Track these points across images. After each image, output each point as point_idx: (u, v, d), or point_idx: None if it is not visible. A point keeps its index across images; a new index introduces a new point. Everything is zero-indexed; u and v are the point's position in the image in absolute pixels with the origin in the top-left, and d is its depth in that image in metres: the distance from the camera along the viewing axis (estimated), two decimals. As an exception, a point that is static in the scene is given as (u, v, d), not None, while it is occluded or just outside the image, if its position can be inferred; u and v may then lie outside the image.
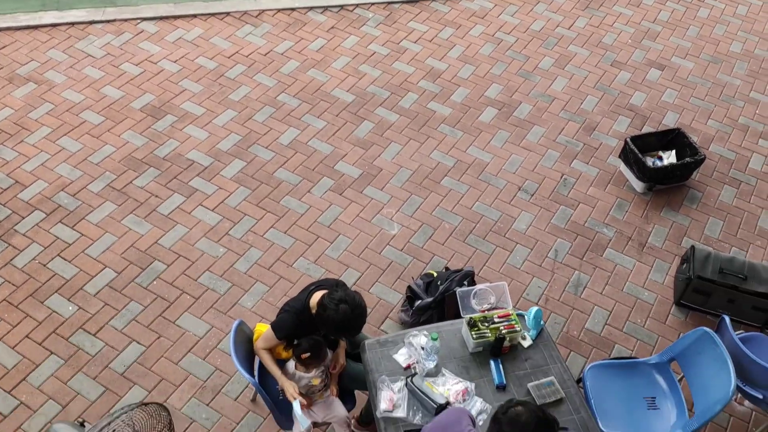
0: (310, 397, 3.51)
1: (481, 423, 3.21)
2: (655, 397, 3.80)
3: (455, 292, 3.76)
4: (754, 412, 4.39)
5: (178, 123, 5.81)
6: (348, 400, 3.71)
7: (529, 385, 3.38)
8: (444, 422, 2.53)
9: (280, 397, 3.63)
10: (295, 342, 3.46)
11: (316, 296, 3.39)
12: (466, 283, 4.44)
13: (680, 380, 4.00)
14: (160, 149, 5.57)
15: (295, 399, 3.35)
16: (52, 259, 4.78)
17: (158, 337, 4.43)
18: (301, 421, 3.37)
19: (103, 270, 4.75)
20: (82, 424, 2.84)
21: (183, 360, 4.33)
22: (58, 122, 5.70)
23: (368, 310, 4.50)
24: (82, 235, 4.95)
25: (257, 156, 5.59)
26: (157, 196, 5.23)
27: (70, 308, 4.54)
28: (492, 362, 3.46)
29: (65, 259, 4.78)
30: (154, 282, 4.72)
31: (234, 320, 3.62)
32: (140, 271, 4.77)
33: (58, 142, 5.53)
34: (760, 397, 3.73)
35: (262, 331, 3.58)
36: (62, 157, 5.42)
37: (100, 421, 2.50)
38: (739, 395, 4.31)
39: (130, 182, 5.31)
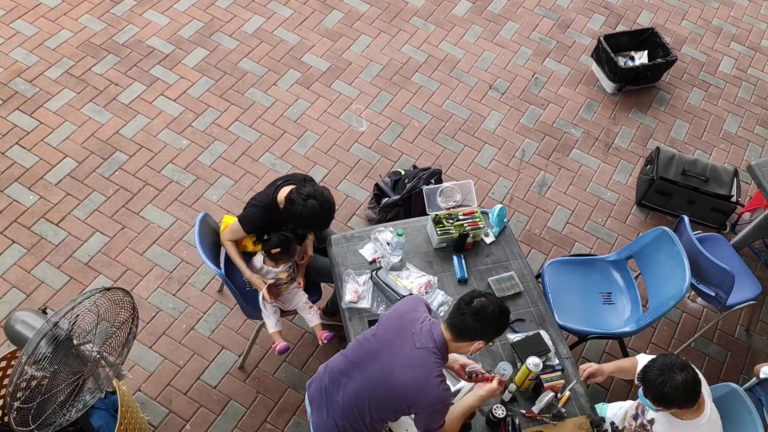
0: (277, 289, 3.48)
1: (442, 314, 3.23)
2: (611, 293, 3.86)
3: (422, 189, 3.69)
4: (705, 309, 4.51)
5: (138, 7, 5.42)
6: (314, 292, 3.70)
7: (490, 279, 3.40)
8: (401, 310, 2.54)
9: (247, 288, 3.61)
10: (265, 237, 3.39)
11: (284, 191, 3.28)
12: (433, 181, 4.37)
13: (636, 277, 4.05)
14: (119, 35, 5.22)
15: (264, 285, 3.34)
16: (11, 147, 4.55)
17: (122, 228, 4.32)
18: (265, 312, 3.37)
19: (63, 159, 4.55)
20: (44, 312, 2.76)
21: (148, 251, 4.25)
22: (12, 4, 5.28)
23: (336, 207, 4.43)
24: (41, 123, 4.70)
25: (220, 45, 5.28)
26: (117, 85, 4.95)
27: (31, 197, 4.37)
28: (455, 257, 3.46)
29: (24, 148, 4.56)
30: (117, 173, 4.54)
31: (199, 213, 3.51)
32: (102, 161, 4.58)
33: (12, 26, 5.15)
34: (713, 294, 3.81)
35: (230, 223, 3.49)
36: (17, 41, 5.06)
37: (63, 306, 2.42)
38: (693, 293, 4.40)
39: (89, 69, 5.00)
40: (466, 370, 2.71)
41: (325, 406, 2.64)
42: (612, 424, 2.85)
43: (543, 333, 3.18)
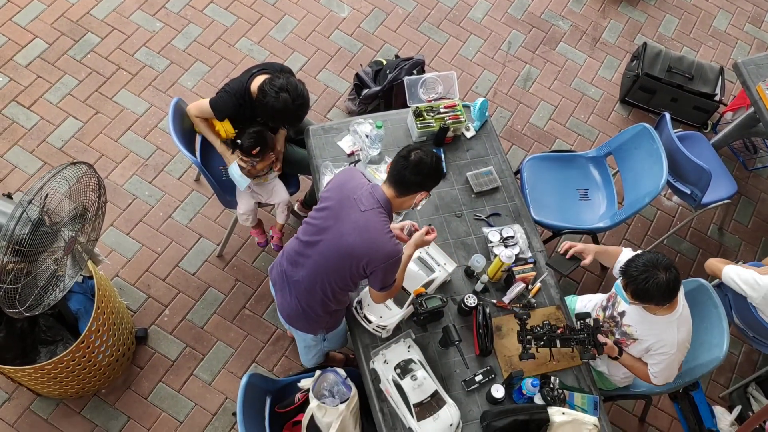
0: (256, 176, 3.38)
1: (419, 208, 3.19)
2: (587, 189, 3.82)
3: (404, 80, 3.52)
4: (680, 208, 4.50)
5: None
6: (292, 184, 3.61)
7: (468, 173, 3.33)
8: (339, 182, 2.54)
9: (224, 178, 3.51)
10: (238, 142, 3.23)
11: (258, 80, 3.10)
12: (415, 72, 4.19)
13: (614, 175, 3.99)
14: None
15: (233, 162, 3.25)
16: (-24, 26, 4.26)
17: (96, 113, 4.13)
18: (239, 181, 3.28)
19: (33, 40, 4.28)
20: (9, 196, 2.64)
21: (123, 137, 4.09)
22: None
23: (314, 98, 4.26)
24: (8, 1, 4.38)
25: None
26: (85, -40, 4.57)
27: (1, 79, 4.13)
28: (434, 151, 3.37)
29: (-10, 28, 4.27)
30: (89, 55, 4.29)
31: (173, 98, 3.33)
32: (73, 43, 4.31)
33: None
34: (688, 192, 3.78)
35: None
36: None
37: (32, 186, 2.30)
38: (669, 190, 4.37)
39: (54, -58, 4.59)
40: (404, 230, 2.75)
41: (287, 287, 2.67)
42: (596, 321, 2.86)
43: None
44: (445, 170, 2.56)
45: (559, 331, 2.82)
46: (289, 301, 2.66)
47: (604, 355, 2.95)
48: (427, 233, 2.66)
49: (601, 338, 2.79)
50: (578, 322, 2.87)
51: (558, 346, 2.82)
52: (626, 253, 2.89)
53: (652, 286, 2.44)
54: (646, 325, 2.69)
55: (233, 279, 3.79)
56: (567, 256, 2.95)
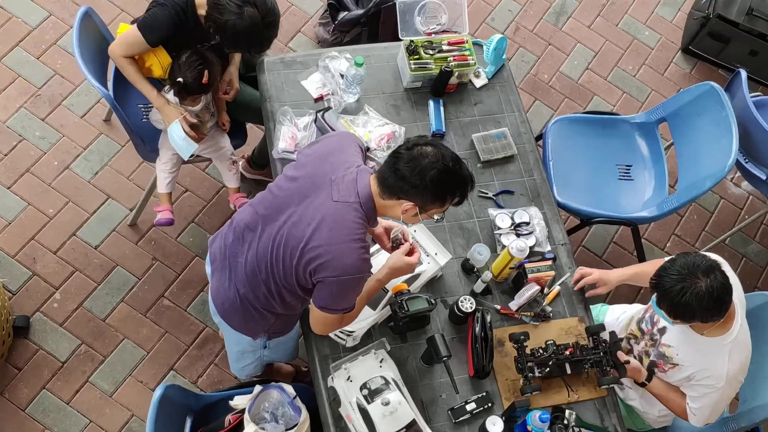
0: (200, 128, 3.37)
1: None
2: (630, 166, 3.86)
3: (395, 3, 3.53)
4: (750, 197, 4.57)
5: None
6: (237, 135, 3.61)
7: (475, 135, 3.35)
8: (324, 150, 2.53)
9: (144, 119, 3.50)
10: (180, 81, 3.19)
11: (206, -10, 3.08)
12: (412, -8, 4.19)
13: (667, 149, 4.05)
14: None
15: (181, 116, 3.23)
16: None
17: (-28, 22, 4.08)
18: (183, 147, 3.26)
19: None
20: None
21: (9, 56, 4.05)
22: None
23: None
24: None
25: None
26: None
27: None
28: (431, 103, 3.38)
29: None
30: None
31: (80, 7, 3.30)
32: None
33: None
34: (763, 177, 3.83)
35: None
36: None
37: None
38: (738, 174, 4.44)
39: None
40: (391, 234, 2.74)
41: (227, 268, 2.62)
42: (612, 334, 2.93)
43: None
44: (471, 181, 2.43)
45: (567, 353, 2.88)
46: (227, 288, 2.67)
47: (633, 383, 3.02)
48: (409, 253, 2.59)
49: (621, 356, 2.86)
50: (590, 338, 2.93)
51: (568, 371, 2.89)
52: None
53: (690, 298, 2.49)
54: (690, 348, 2.76)
55: (149, 257, 3.80)
56: (575, 287, 3.06)
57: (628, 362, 2.86)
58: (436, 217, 2.75)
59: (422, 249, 2.95)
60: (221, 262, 2.69)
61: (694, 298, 2.48)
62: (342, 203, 2.39)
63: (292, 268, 2.43)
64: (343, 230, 2.36)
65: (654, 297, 2.63)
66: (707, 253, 2.62)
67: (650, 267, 3.01)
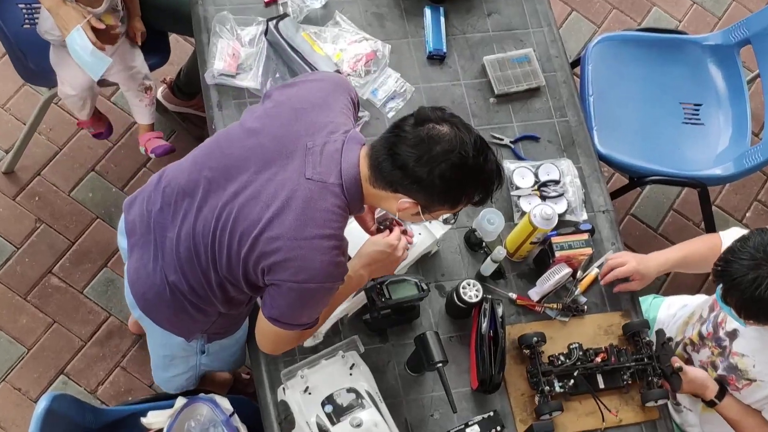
0: (111, 34, 3.34)
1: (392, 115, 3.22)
2: (700, 105, 3.88)
3: None
4: None
5: None
6: (155, 50, 3.62)
7: (487, 58, 3.35)
8: (302, 101, 2.46)
9: (25, 25, 3.47)
10: None
11: None
12: None
13: (751, 81, 4.06)
14: None
15: (85, 20, 3.20)
16: None
17: None
18: (91, 65, 3.22)
19: None
20: None
21: None
22: None
23: None
24: None
25: None
26: None
27: None
28: (428, 12, 3.38)
29: None
30: None
31: None
32: None
33: None
34: None
35: None
36: None
37: None
38: None
39: None
40: (376, 217, 2.74)
41: (152, 245, 2.59)
42: (660, 332, 2.94)
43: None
44: (499, 178, 2.40)
45: (599, 359, 2.91)
46: (151, 272, 2.63)
47: (693, 401, 3.05)
48: (400, 246, 2.62)
49: (674, 362, 2.88)
50: (629, 339, 2.97)
51: (601, 385, 2.92)
52: (730, 239, 2.95)
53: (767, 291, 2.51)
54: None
55: (32, 219, 3.80)
56: (603, 281, 3.07)
57: (681, 369, 2.88)
58: (443, 217, 2.75)
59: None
60: (143, 236, 2.64)
61: None
62: (317, 183, 2.32)
63: (240, 258, 2.38)
64: (314, 221, 2.31)
65: (719, 289, 2.65)
66: None
67: (705, 245, 3.03)
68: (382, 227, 2.69)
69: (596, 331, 3.07)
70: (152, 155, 3.57)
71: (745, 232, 2.78)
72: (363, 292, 2.80)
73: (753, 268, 2.49)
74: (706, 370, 2.98)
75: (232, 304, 2.61)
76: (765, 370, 2.80)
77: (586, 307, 3.09)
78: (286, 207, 2.31)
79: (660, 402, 2.92)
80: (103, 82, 3.52)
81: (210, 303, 2.58)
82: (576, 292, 3.09)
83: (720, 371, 2.93)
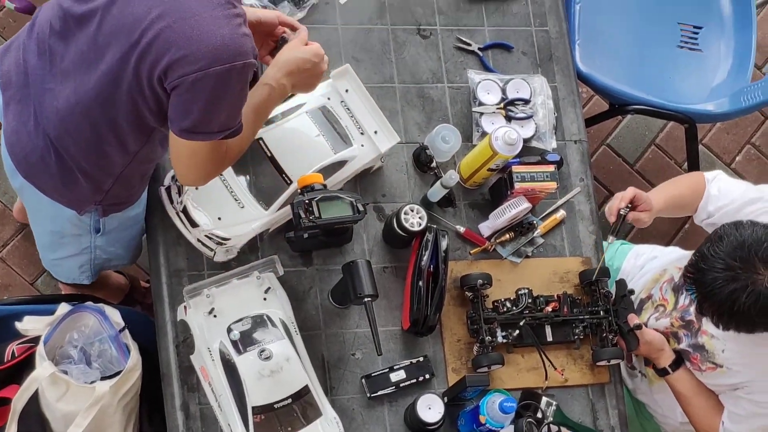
0: None
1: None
2: (701, 28, 3.89)
3: None
4: None
5: None
6: None
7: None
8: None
9: None
10: None
11: None
12: None
13: (761, 6, 4.02)
14: None
15: None
16: None
17: None
18: None
19: None
20: None
21: None
22: None
23: None
24: None
25: None
26: None
27: None
28: None
29: None
30: None
31: None
32: None
33: None
34: None
35: None
36: None
37: None
38: None
39: None
40: (276, 31, 2.70)
41: (30, 100, 2.57)
42: (621, 283, 2.90)
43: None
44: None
45: (549, 308, 2.92)
46: (32, 131, 2.59)
47: (645, 366, 3.08)
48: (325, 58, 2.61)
49: (633, 319, 2.90)
50: (587, 288, 2.99)
51: (549, 338, 2.93)
52: (715, 182, 2.96)
53: (748, 303, 2.48)
54: (746, 347, 2.77)
55: None
56: (612, 219, 2.96)
57: (640, 327, 2.89)
58: None
59: (353, 121, 2.90)
60: (21, 89, 2.60)
61: (752, 305, 2.48)
62: None
63: (133, 79, 2.34)
64: None
65: (693, 295, 2.64)
66: None
67: (688, 188, 3.02)
68: (281, 45, 2.67)
69: (551, 277, 3.07)
70: (10, 5, 3.50)
71: (729, 179, 2.89)
72: (289, 207, 2.77)
73: (729, 280, 2.49)
74: (668, 341, 2.98)
75: (132, 160, 2.58)
76: (735, 359, 2.81)
77: (541, 248, 3.09)
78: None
79: (613, 362, 2.95)
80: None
81: (103, 166, 2.56)
82: (535, 232, 3.08)
83: (683, 346, 2.94)
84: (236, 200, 2.78)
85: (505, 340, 2.88)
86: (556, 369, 2.96)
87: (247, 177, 2.82)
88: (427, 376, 2.89)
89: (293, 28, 2.68)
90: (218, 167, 2.55)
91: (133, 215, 2.88)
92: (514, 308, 2.90)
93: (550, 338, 2.94)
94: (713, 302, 2.54)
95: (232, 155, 2.53)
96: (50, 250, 3.02)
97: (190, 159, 2.45)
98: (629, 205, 2.91)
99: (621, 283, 2.98)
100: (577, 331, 2.94)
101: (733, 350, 2.80)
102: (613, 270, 3.19)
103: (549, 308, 2.92)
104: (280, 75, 2.55)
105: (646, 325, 2.99)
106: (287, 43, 2.64)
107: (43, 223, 2.94)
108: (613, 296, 2.97)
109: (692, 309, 2.86)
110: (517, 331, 2.89)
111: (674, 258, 3.14)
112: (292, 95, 2.87)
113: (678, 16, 3.87)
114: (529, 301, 2.91)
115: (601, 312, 2.93)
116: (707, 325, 2.81)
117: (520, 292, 2.93)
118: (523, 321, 2.89)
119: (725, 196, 2.93)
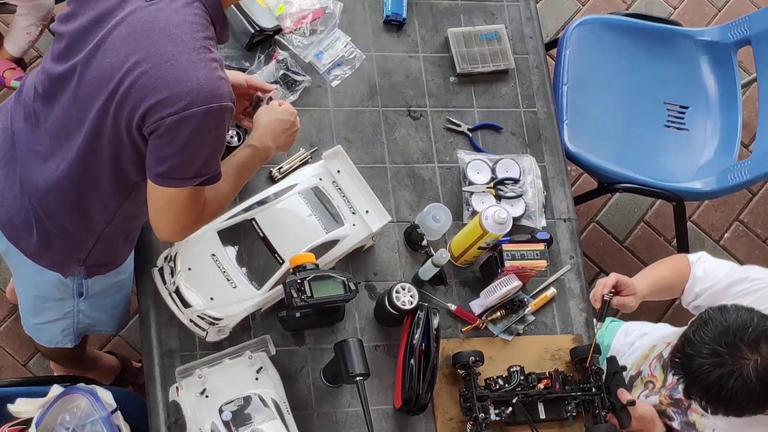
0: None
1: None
2: (687, 108, 3.91)
3: None
4: None
5: None
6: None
7: (452, 31, 3.34)
8: None
9: None
10: None
11: None
12: None
13: (746, 85, 4.06)
14: None
15: None
16: None
17: None
18: None
19: None
20: None
21: None
22: None
23: None
24: None
25: None
26: None
27: None
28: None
29: None
30: None
31: None
32: None
33: None
34: None
35: None
36: None
37: None
38: None
39: None
40: (248, 82, 2.72)
41: (17, 163, 2.60)
42: (612, 360, 2.90)
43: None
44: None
45: (541, 386, 2.91)
46: (18, 192, 2.60)
47: None
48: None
49: (624, 395, 2.88)
50: (579, 365, 2.98)
51: (542, 415, 2.92)
52: (699, 265, 2.96)
53: (735, 388, 2.48)
54: (735, 427, 2.77)
55: None
56: (597, 306, 2.98)
57: (633, 404, 2.87)
58: None
59: (345, 201, 2.92)
60: (7, 153, 2.63)
61: (740, 390, 2.48)
62: (162, 1, 2.29)
63: (112, 127, 2.35)
64: (172, 38, 2.25)
65: (680, 381, 2.65)
66: (758, 309, 2.59)
67: (673, 272, 3.02)
68: (256, 108, 2.71)
69: (542, 354, 3.07)
70: (16, 84, 3.54)
71: (713, 260, 2.90)
72: (282, 286, 2.77)
73: (716, 366, 2.49)
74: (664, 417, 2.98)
75: (108, 211, 2.58)
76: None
77: (532, 326, 3.09)
78: (139, 39, 2.27)
79: None
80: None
81: (85, 224, 2.57)
82: (527, 311, 3.08)
83: (674, 425, 2.94)
84: (228, 280, 2.78)
85: (498, 418, 2.87)
86: (552, 446, 2.95)
87: (240, 257, 2.82)
88: (420, 458, 2.87)
89: (264, 90, 2.71)
90: (196, 220, 2.52)
91: (118, 281, 2.89)
92: (507, 385, 2.89)
93: (543, 415, 2.92)
94: (701, 388, 2.54)
95: (210, 210, 2.52)
96: (33, 314, 3.00)
97: (167, 208, 2.42)
98: (612, 291, 2.92)
99: (612, 360, 2.98)
100: (569, 408, 2.93)
101: (723, 429, 2.80)
102: (603, 347, 3.17)
103: (541, 385, 2.91)
104: (265, 137, 2.60)
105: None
106: (262, 103, 2.68)
107: (27, 287, 2.93)
108: (605, 373, 2.96)
109: (680, 387, 2.86)
110: (510, 409, 2.87)
111: (664, 335, 3.15)
112: (283, 177, 2.91)
113: (664, 97, 3.90)
114: (522, 378, 2.90)
115: (593, 389, 2.91)
116: (696, 404, 2.81)
117: (512, 370, 2.92)
118: (516, 398, 2.88)
119: (711, 277, 2.94)
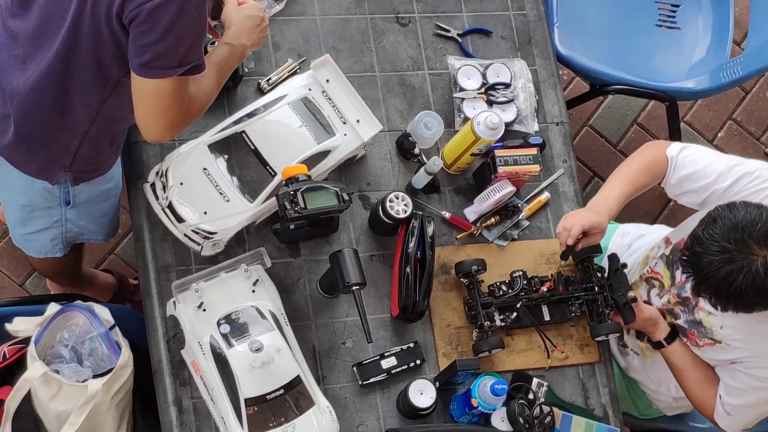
0: None
1: None
2: (678, 6, 3.89)
3: None
4: None
5: None
6: None
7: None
8: None
9: None
10: None
11: None
12: None
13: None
14: None
15: None
16: None
17: None
18: None
19: None
20: None
21: None
22: None
23: None
24: None
25: None
26: None
27: None
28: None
29: None
30: None
31: None
32: None
33: None
34: None
35: None
36: None
37: None
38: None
39: None
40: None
41: None
42: (613, 257, 2.90)
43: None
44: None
45: (545, 288, 2.93)
46: None
47: (638, 342, 3.09)
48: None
49: (629, 294, 2.89)
50: (580, 265, 2.99)
51: (547, 318, 2.95)
52: (683, 153, 2.90)
53: (745, 284, 2.48)
54: (745, 323, 2.78)
55: None
56: (566, 253, 2.95)
57: (635, 300, 2.89)
58: None
59: (335, 111, 2.90)
60: None
61: (749, 286, 2.48)
62: None
63: (90, 20, 2.33)
64: None
65: (689, 275, 2.63)
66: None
67: (648, 174, 2.93)
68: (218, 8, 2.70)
69: (537, 259, 3.08)
70: None
71: (693, 148, 2.86)
72: (274, 199, 2.77)
73: (725, 263, 2.49)
74: (664, 318, 2.98)
75: (91, 109, 2.56)
76: (734, 335, 2.81)
77: (527, 231, 3.11)
78: None
79: (612, 336, 2.96)
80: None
81: (66, 114, 2.56)
82: (521, 216, 3.08)
83: (680, 322, 2.94)
84: (221, 194, 2.78)
85: (503, 323, 2.90)
86: (556, 347, 2.99)
87: (231, 170, 2.81)
88: (418, 362, 2.90)
89: None
90: (184, 116, 2.51)
91: (105, 189, 2.89)
92: (510, 291, 2.91)
93: (547, 318, 2.95)
94: (710, 285, 2.54)
95: (196, 107, 2.51)
96: (21, 224, 2.99)
97: (153, 103, 2.41)
98: (580, 235, 2.89)
99: (613, 258, 2.98)
100: (573, 308, 2.96)
101: (732, 326, 2.80)
102: (602, 249, 3.18)
103: (544, 288, 2.93)
104: (239, 34, 2.60)
105: (650, 303, 3.02)
106: (223, 4, 2.67)
107: (13, 197, 2.92)
108: (606, 271, 2.97)
109: (688, 286, 2.86)
110: (515, 314, 2.90)
111: (662, 234, 3.13)
112: (272, 88, 2.89)
113: (658, -8, 3.86)
114: (525, 282, 2.92)
115: (596, 288, 2.93)
116: (704, 302, 2.81)
117: (514, 275, 2.94)
118: (520, 303, 2.91)
119: (694, 165, 2.88)
